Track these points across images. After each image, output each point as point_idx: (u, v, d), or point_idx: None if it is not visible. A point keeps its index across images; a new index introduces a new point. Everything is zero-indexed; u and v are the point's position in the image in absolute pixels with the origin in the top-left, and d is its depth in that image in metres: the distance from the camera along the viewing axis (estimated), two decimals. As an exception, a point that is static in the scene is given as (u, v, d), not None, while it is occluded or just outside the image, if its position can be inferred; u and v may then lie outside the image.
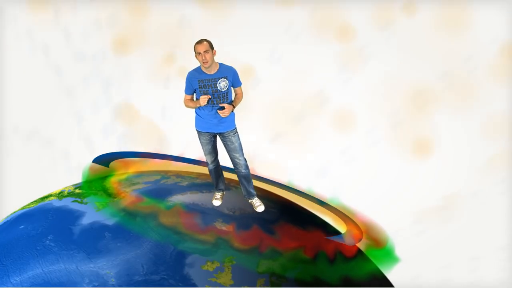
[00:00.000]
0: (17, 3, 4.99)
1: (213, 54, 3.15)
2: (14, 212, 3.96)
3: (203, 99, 3.17)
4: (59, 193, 4.07)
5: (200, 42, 3.10)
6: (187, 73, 3.30)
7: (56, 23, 4.99)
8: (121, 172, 4.55)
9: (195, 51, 3.11)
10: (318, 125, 4.97)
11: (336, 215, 4.30)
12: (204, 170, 4.33)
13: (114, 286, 3.03)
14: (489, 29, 4.23)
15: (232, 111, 3.40)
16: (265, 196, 4.19)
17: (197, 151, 3.71)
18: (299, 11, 4.62)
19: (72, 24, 5.01)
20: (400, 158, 4.74)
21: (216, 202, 3.81)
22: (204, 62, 3.11)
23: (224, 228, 3.17)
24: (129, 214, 3.64)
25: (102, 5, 4.92)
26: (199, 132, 3.47)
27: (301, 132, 4.99)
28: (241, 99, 3.36)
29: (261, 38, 4.87)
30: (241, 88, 3.35)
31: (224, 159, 3.66)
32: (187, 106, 3.35)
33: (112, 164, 4.59)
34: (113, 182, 4.13)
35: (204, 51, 3.07)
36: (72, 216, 3.64)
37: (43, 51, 5.10)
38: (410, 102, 4.83)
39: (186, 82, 3.29)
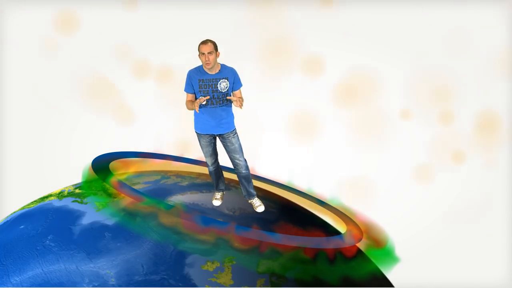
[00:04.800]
0: (18, 2, 4.99)
1: (217, 55, 3.12)
2: (14, 212, 3.96)
3: (197, 105, 3.09)
4: (59, 193, 4.07)
5: (204, 42, 3.07)
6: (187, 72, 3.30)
7: (57, 22, 4.98)
8: (121, 172, 4.55)
9: (198, 50, 3.09)
10: (318, 125, 4.97)
11: (336, 215, 4.30)
12: (204, 170, 4.33)
13: (114, 286, 3.03)
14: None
15: (232, 113, 3.39)
16: (265, 196, 4.19)
17: (197, 151, 3.72)
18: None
19: (71, 22, 5.00)
20: (400, 158, 4.74)
21: (216, 202, 3.82)
22: (207, 63, 3.09)
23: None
24: (129, 214, 3.63)
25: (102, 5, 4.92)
26: (198, 135, 3.46)
27: (301, 132, 4.99)
28: (243, 102, 3.32)
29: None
30: (240, 90, 3.33)
31: (224, 159, 3.66)
32: (188, 108, 3.32)
33: (112, 164, 4.58)
34: (113, 182, 4.13)
35: (208, 52, 3.05)
36: (72, 216, 3.64)
37: (44, 51, 5.10)
38: (409, 102, 4.84)
39: (187, 80, 3.27)
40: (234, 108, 3.36)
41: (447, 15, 4.40)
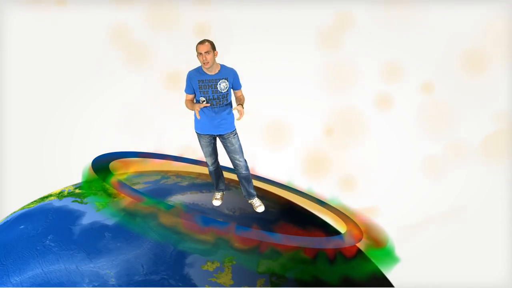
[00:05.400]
0: (18, 2, 4.99)
1: (215, 55, 3.13)
2: (14, 212, 3.96)
3: (197, 110, 3.13)
4: (59, 193, 4.07)
5: (202, 42, 3.08)
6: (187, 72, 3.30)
7: (57, 22, 4.99)
8: (121, 172, 4.55)
9: (196, 51, 3.10)
10: (318, 125, 4.97)
11: (336, 215, 4.30)
12: (204, 170, 4.33)
13: (114, 286, 3.03)
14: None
15: (232, 113, 3.39)
16: (265, 196, 4.19)
17: (197, 151, 3.72)
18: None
19: (71, 23, 5.00)
20: (400, 158, 4.74)
21: (216, 202, 3.82)
22: (204, 63, 3.09)
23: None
24: (129, 214, 3.64)
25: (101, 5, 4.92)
26: (198, 135, 3.46)
27: (301, 132, 4.99)
28: (244, 101, 3.32)
29: (256, 38, 4.88)
30: (241, 90, 3.33)
31: (224, 159, 3.66)
32: (187, 107, 3.33)
33: (112, 164, 4.58)
34: (113, 182, 4.13)
35: (205, 52, 3.05)
36: (72, 216, 3.64)
37: (44, 50, 5.10)
38: (408, 102, 4.84)
39: (187, 81, 3.27)
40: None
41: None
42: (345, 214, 4.33)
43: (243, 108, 3.20)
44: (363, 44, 4.82)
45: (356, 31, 4.72)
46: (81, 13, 4.95)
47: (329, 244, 3.74)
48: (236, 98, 3.33)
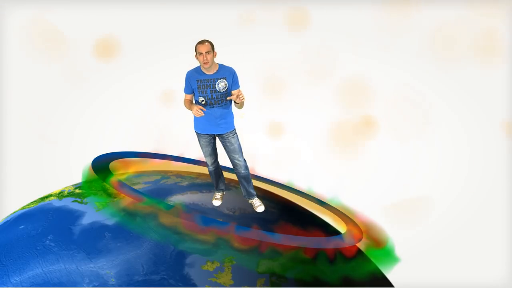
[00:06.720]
0: (18, 2, 4.99)
1: (214, 55, 3.14)
2: (14, 212, 3.96)
3: (197, 112, 3.14)
4: (59, 193, 4.07)
5: (202, 42, 3.09)
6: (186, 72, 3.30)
7: (57, 21, 4.99)
8: (121, 172, 4.55)
9: (196, 51, 3.10)
10: (318, 124, 4.97)
11: (336, 215, 4.30)
12: (204, 170, 4.33)
13: (114, 286, 3.03)
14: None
15: (232, 113, 3.39)
16: (265, 196, 4.19)
17: (197, 152, 3.72)
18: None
19: (72, 22, 5.01)
20: (401, 158, 4.74)
21: (216, 202, 3.82)
22: (205, 63, 3.10)
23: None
24: (129, 214, 3.64)
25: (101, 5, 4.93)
26: (198, 134, 3.46)
27: (301, 131, 4.99)
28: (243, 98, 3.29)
29: (256, 37, 4.88)
30: (239, 90, 3.31)
31: (224, 159, 3.66)
32: (185, 107, 3.35)
33: (112, 164, 4.58)
34: (113, 182, 4.13)
35: (205, 52, 3.07)
36: (72, 216, 3.64)
37: (44, 50, 5.10)
38: (408, 101, 4.84)
39: (185, 82, 3.29)
40: (234, 108, 3.36)
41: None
42: (345, 214, 4.33)
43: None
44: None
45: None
46: (81, 12, 4.95)
47: (329, 244, 3.73)
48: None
